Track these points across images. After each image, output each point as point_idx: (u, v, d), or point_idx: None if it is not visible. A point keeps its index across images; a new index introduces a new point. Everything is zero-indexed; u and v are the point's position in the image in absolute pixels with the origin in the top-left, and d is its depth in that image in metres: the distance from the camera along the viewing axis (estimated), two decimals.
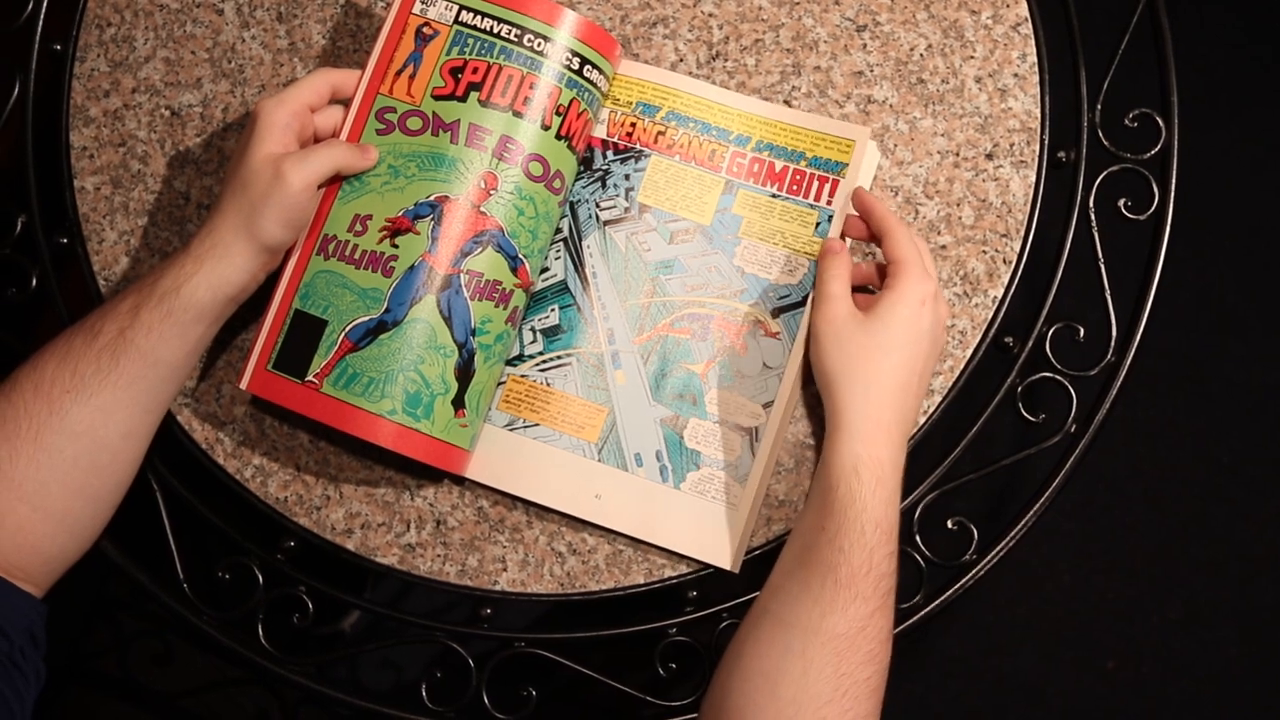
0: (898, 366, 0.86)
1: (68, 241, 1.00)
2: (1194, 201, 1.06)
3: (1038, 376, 0.99)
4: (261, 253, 0.86)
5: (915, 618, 0.96)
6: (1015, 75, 1.00)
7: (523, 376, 0.95)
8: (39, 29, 1.02)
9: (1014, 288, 0.98)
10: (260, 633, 0.97)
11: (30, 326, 1.08)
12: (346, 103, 0.91)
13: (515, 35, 0.90)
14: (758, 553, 0.95)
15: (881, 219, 0.91)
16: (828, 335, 0.89)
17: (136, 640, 1.13)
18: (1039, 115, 1.00)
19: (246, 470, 0.97)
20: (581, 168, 0.97)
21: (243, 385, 0.90)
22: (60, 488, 0.82)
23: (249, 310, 0.91)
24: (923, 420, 0.97)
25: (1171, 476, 1.79)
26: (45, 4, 1.03)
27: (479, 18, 0.91)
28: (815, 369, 0.90)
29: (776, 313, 0.94)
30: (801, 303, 0.94)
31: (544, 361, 0.95)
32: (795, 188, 0.96)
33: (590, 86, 0.93)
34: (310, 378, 0.88)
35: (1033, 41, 1.01)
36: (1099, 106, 1.02)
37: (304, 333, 0.89)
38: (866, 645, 0.80)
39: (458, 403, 0.89)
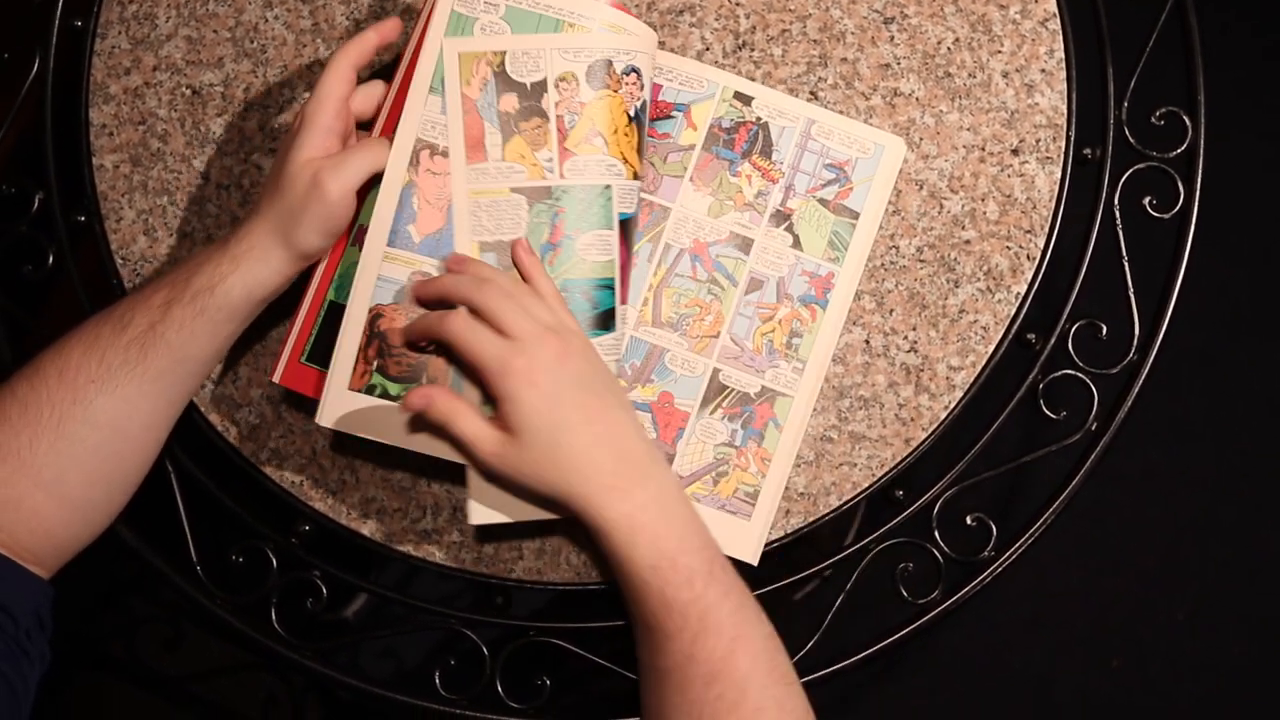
0: (573, 443, 0.82)
1: (85, 219, 0.99)
2: (1214, 200, 1.05)
3: (1059, 374, 0.99)
4: (298, 259, 0.86)
5: (934, 613, 0.96)
6: (1042, 71, 0.99)
7: None
8: (60, 5, 1.01)
9: (1037, 284, 0.98)
10: (273, 617, 0.96)
11: (39, 304, 1.07)
12: (390, 74, 0.90)
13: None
14: (776, 545, 0.95)
15: (423, 330, 0.86)
16: (498, 469, 0.83)
17: (146, 624, 1.12)
18: (1065, 111, 0.99)
19: (262, 454, 0.97)
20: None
21: (275, 378, 0.89)
22: (79, 476, 0.82)
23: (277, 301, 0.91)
24: (943, 415, 0.96)
25: (1182, 476, 1.79)
26: None
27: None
28: (515, 485, 0.85)
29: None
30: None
31: None
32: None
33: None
34: None
35: (1060, 37, 1.00)
36: (1125, 104, 1.01)
37: (338, 325, 0.89)
38: (702, 670, 0.79)
39: None
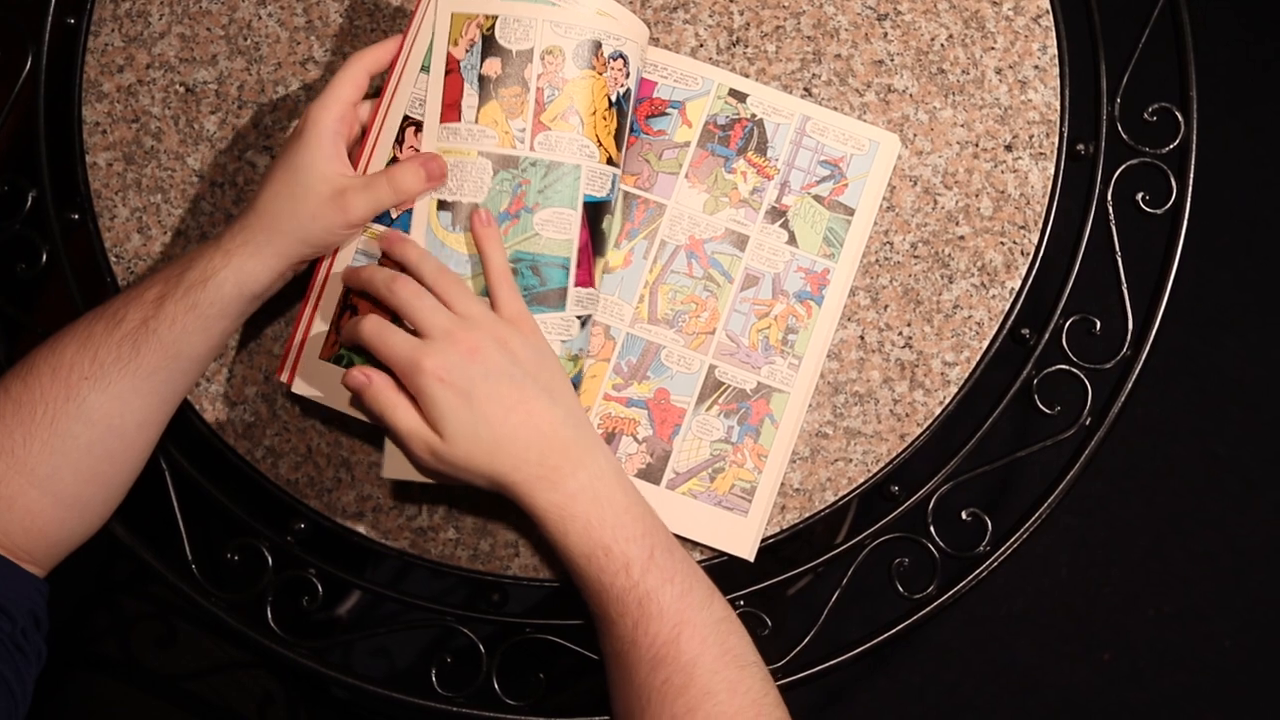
0: (496, 439, 0.82)
1: (79, 217, 0.99)
2: (1205, 196, 1.06)
3: (1053, 369, 0.99)
4: (295, 260, 0.86)
5: (930, 607, 0.96)
6: (1036, 67, 1.00)
7: None
8: (52, 2, 1.01)
9: (1031, 279, 0.98)
10: (269, 615, 0.96)
11: (33, 303, 1.07)
12: (383, 76, 0.90)
13: None
14: (771, 540, 0.95)
15: (345, 336, 0.87)
16: (444, 470, 0.84)
17: (139, 622, 1.12)
18: (1059, 107, 1.00)
19: (257, 451, 0.97)
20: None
21: (283, 378, 0.90)
22: (72, 474, 0.82)
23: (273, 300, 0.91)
24: (938, 411, 0.97)
25: (1167, 470, 1.80)
26: None
27: None
28: (477, 487, 0.85)
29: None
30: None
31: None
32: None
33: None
34: None
35: (1053, 34, 1.00)
36: (1118, 100, 1.02)
37: None
38: (646, 655, 0.79)
39: None
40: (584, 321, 0.90)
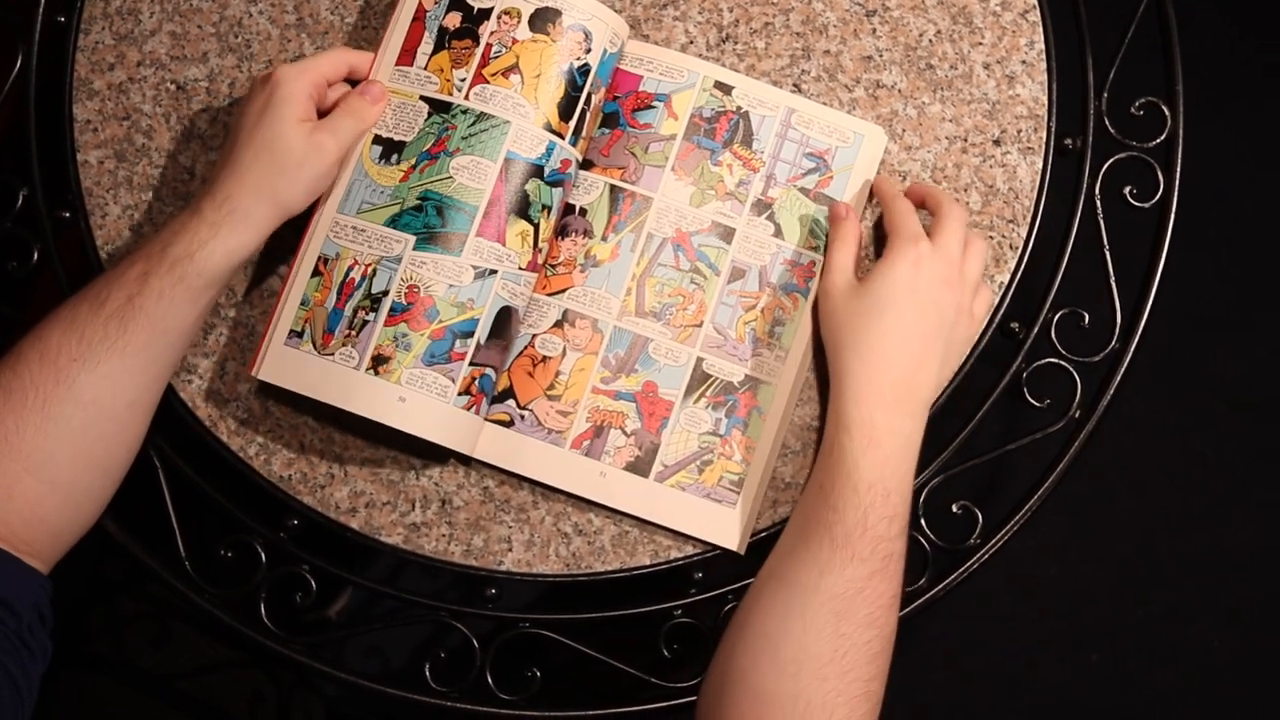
0: (891, 329, 0.88)
1: (70, 215, 0.99)
2: (1192, 191, 1.06)
3: (1042, 362, 0.99)
4: (280, 217, 0.87)
5: (921, 600, 0.96)
6: (1023, 62, 1.00)
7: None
8: (42, 1, 1.01)
9: (1020, 273, 0.99)
10: (263, 612, 0.96)
11: (24, 301, 1.07)
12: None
13: None
14: (764, 534, 0.95)
15: (879, 192, 0.96)
16: (824, 304, 0.92)
17: (134, 622, 1.12)
18: (1046, 102, 1.00)
19: (250, 448, 0.97)
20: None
21: (253, 371, 0.91)
22: (67, 459, 0.82)
23: (254, 285, 0.91)
24: None
25: (1154, 468, 1.80)
26: None
27: None
28: (822, 337, 0.93)
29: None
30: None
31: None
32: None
33: None
34: None
35: (1040, 29, 1.01)
36: (1105, 94, 1.02)
37: None
38: (866, 608, 0.81)
39: None
40: (481, 274, 0.90)
